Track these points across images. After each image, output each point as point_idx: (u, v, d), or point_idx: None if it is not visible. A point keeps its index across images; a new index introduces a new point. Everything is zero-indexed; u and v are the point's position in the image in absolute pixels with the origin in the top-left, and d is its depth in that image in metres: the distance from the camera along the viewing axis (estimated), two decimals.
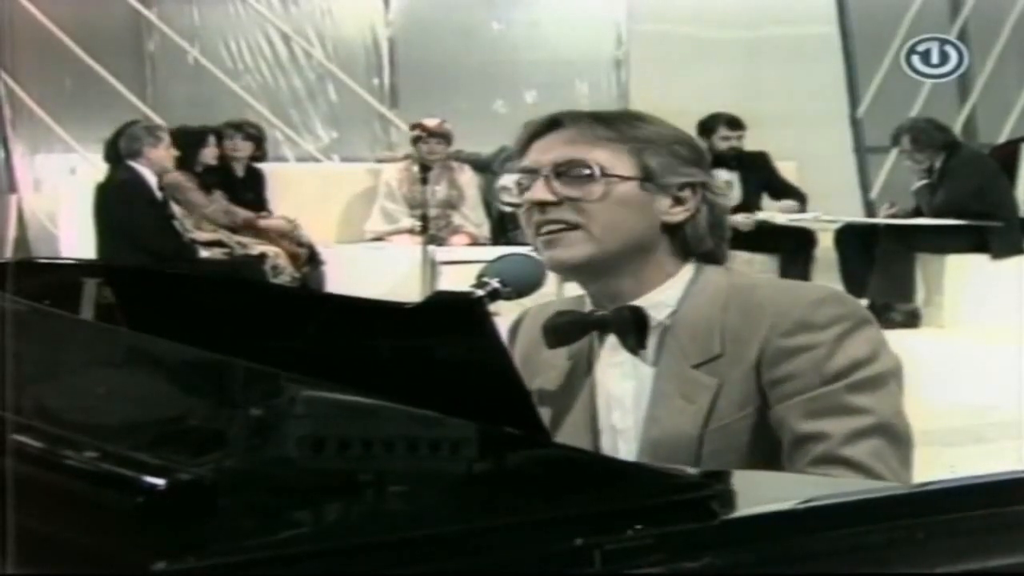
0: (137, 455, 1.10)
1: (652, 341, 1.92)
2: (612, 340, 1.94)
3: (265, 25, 9.61)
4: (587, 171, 1.90)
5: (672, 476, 1.43)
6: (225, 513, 1.05)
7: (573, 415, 1.96)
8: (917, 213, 7.82)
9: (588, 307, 1.99)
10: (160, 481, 1.04)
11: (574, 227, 1.90)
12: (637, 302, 1.93)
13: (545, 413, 1.95)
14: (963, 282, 7.56)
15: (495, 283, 1.87)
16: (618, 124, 1.94)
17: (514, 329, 2.09)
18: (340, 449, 1.14)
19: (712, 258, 1.97)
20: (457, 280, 6.30)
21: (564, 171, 1.91)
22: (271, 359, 1.25)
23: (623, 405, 1.93)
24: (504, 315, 1.88)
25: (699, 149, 2.00)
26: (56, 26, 9.03)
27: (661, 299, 1.93)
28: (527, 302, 2.03)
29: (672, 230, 1.94)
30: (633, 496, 1.25)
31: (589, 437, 1.94)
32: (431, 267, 7.38)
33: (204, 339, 1.34)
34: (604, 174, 1.90)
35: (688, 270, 1.95)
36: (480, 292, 1.85)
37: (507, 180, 2.08)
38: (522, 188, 1.94)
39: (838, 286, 7.41)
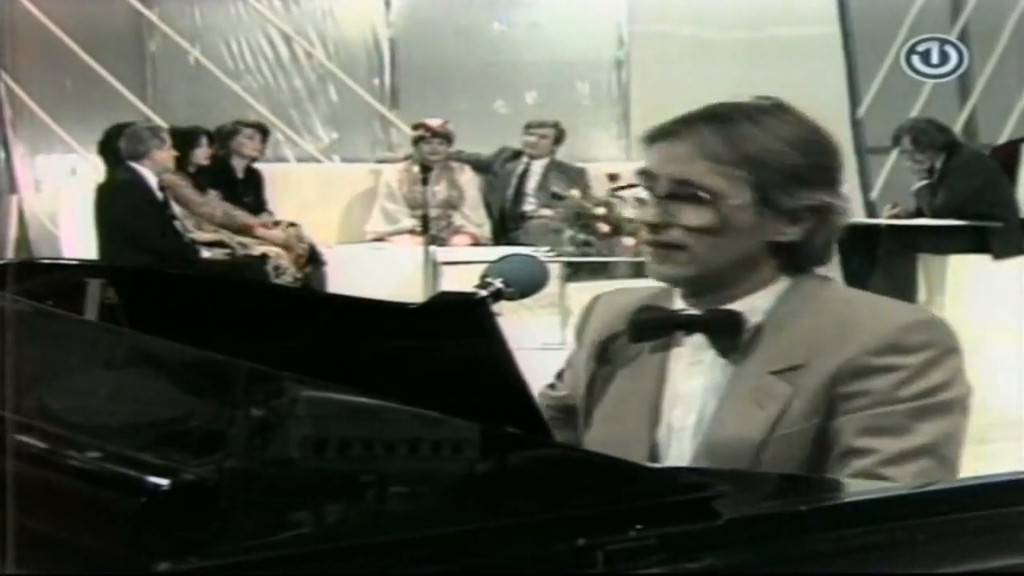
0: (140, 455, 1.10)
1: (740, 343, 1.89)
2: (698, 338, 1.92)
3: (266, 26, 9.61)
4: (699, 195, 1.87)
5: (675, 477, 1.43)
6: (228, 513, 1.05)
7: (636, 406, 1.94)
8: (918, 213, 7.82)
9: (677, 302, 1.96)
10: (163, 481, 1.04)
11: (681, 247, 1.88)
12: (733, 305, 1.90)
13: (610, 400, 1.95)
14: (964, 282, 7.56)
15: (498, 283, 1.87)
16: (742, 142, 1.88)
17: (588, 312, 2.08)
18: (343, 450, 1.14)
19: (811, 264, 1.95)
20: (458, 280, 6.30)
21: (676, 192, 1.88)
22: (274, 359, 1.25)
23: (688, 403, 1.91)
24: (506, 315, 1.88)
25: (828, 165, 1.94)
26: (57, 26, 9.04)
27: (756, 304, 1.90)
28: (529, 302, 2.03)
29: (783, 247, 1.91)
30: (636, 496, 1.25)
31: (647, 431, 1.92)
32: (432, 267, 7.38)
33: (207, 339, 1.34)
34: (716, 201, 1.86)
35: (785, 278, 1.92)
36: (483, 292, 1.85)
37: (627, 194, 2.05)
38: (636, 196, 1.92)
39: None
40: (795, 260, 1.92)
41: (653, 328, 1.94)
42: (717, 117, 1.90)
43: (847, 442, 1.80)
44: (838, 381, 1.82)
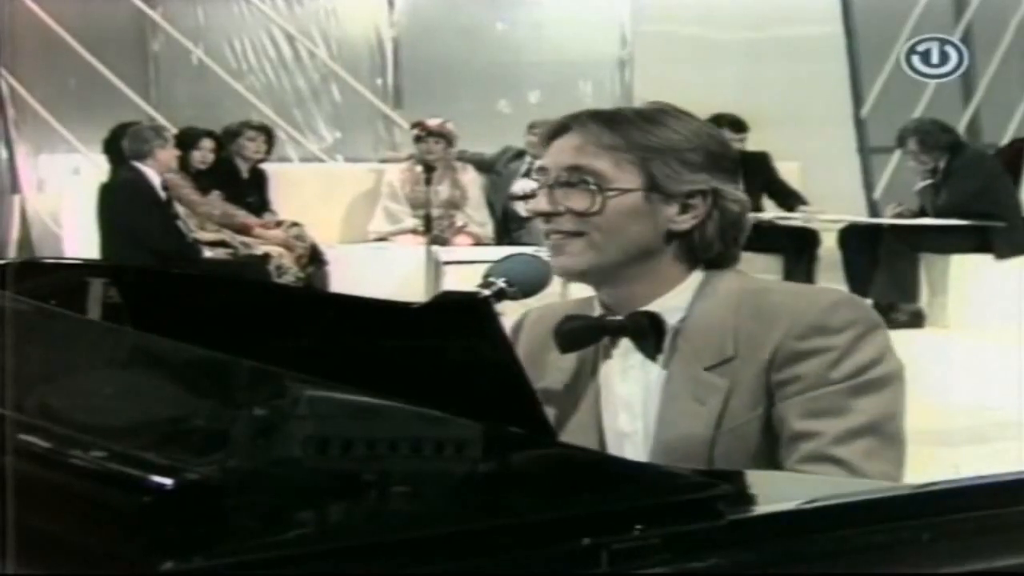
0: (144, 455, 1.10)
1: (664, 344, 1.92)
2: (624, 344, 1.94)
3: (269, 25, 9.62)
4: (586, 179, 1.90)
5: (679, 476, 1.43)
6: (232, 513, 1.05)
7: (578, 417, 1.96)
8: (921, 213, 7.82)
9: (597, 310, 1.98)
10: (167, 481, 1.03)
11: (577, 234, 1.91)
12: (650, 307, 1.93)
13: (550, 415, 1.95)
14: (967, 282, 7.56)
15: (501, 283, 1.87)
16: (629, 129, 1.91)
17: (517, 329, 2.08)
18: (346, 449, 1.14)
19: (721, 262, 1.97)
20: (461, 280, 6.30)
21: (566, 180, 1.91)
22: (277, 359, 1.25)
23: (631, 408, 1.93)
24: (509, 315, 1.88)
25: (717, 152, 1.96)
26: (60, 26, 9.04)
27: (673, 303, 1.93)
28: (532, 302, 2.03)
29: (678, 236, 1.93)
30: (640, 496, 1.25)
31: (595, 439, 1.94)
32: (435, 267, 7.38)
33: (209, 339, 1.34)
34: (604, 188, 1.89)
35: (697, 275, 1.95)
36: (486, 292, 1.85)
37: (519, 187, 2.08)
38: (530, 195, 1.95)
39: (842, 286, 7.42)
40: (694, 253, 1.94)
41: (578, 336, 1.96)
42: (606, 113, 1.95)
43: (791, 426, 1.83)
44: (771, 369, 1.85)
